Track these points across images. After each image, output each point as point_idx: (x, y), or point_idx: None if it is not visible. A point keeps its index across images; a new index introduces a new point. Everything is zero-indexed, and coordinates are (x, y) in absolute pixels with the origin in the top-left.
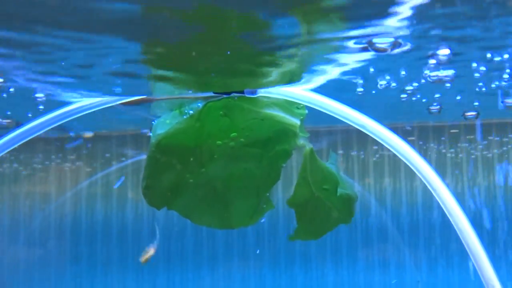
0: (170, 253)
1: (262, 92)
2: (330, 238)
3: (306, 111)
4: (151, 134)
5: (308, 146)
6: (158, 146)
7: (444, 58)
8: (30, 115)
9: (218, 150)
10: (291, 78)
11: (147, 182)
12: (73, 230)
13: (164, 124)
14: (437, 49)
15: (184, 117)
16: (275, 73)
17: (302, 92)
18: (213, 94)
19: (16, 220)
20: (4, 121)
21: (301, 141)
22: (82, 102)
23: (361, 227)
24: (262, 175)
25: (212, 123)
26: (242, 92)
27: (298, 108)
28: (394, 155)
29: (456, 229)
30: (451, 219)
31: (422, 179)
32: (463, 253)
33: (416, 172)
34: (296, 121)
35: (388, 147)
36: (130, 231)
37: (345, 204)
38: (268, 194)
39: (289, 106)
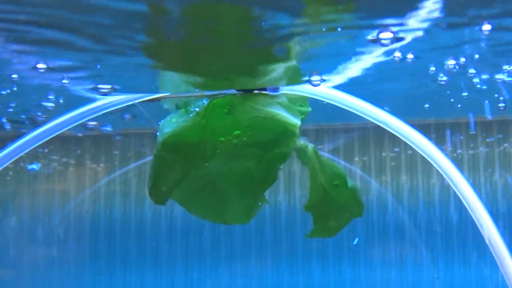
0: (188, 250)
1: (285, 89)
2: (347, 235)
3: (310, 109)
4: (158, 133)
5: (310, 146)
6: (165, 144)
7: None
8: (39, 113)
9: (221, 146)
10: (293, 76)
11: (153, 181)
12: (92, 228)
13: (170, 123)
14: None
15: (190, 115)
16: (278, 69)
17: (325, 89)
18: (218, 92)
19: (36, 217)
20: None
21: (301, 142)
22: (101, 101)
23: (378, 225)
24: (260, 175)
25: (216, 120)
26: (265, 89)
27: (301, 106)
28: (412, 152)
29: (479, 226)
30: (473, 216)
31: (444, 175)
32: (480, 250)
33: (438, 169)
34: (297, 121)
35: (411, 144)
36: (148, 228)
37: (355, 197)
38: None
39: (291, 104)
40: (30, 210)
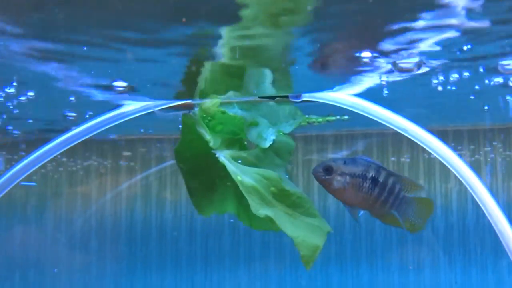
0: (207, 252)
1: (306, 96)
2: (365, 238)
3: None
4: None
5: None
6: (176, 156)
7: None
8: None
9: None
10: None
11: (189, 191)
12: (113, 230)
13: None
14: None
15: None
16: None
17: (345, 96)
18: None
19: (58, 220)
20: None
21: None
22: (129, 107)
23: (396, 229)
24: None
25: (212, 130)
26: (287, 97)
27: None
28: (429, 157)
29: (497, 231)
30: (491, 221)
31: (462, 180)
32: (497, 255)
33: (457, 174)
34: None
35: (429, 150)
36: (168, 231)
37: None
38: None
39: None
40: (53, 211)
